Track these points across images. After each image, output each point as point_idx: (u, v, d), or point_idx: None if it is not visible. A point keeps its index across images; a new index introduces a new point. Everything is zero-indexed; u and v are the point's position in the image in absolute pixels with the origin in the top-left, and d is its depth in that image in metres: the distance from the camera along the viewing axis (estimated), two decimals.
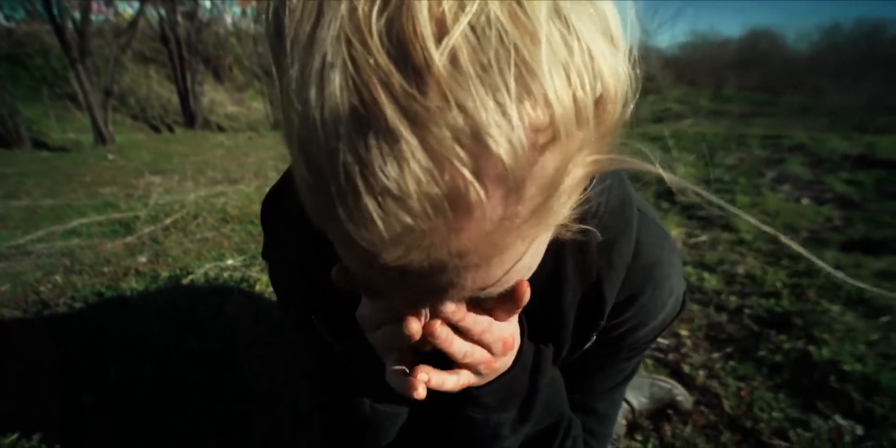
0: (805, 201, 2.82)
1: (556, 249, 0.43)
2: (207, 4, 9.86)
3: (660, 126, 6.05)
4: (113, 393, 1.24)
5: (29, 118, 6.54)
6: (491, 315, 0.38)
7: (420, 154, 0.20)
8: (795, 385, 1.24)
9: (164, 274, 1.91)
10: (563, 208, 0.29)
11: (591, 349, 0.53)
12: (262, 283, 1.80)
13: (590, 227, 0.41)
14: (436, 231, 0.23)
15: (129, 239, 2.35)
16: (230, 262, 2.00)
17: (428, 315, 0.35)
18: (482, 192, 0.22)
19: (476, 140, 0.20)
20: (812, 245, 2.16)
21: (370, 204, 0.22)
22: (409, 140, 0.20)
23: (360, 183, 0.21)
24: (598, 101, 0.24)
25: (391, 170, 0.21)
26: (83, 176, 4.11)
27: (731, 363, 1.34)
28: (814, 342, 1.38)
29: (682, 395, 1.17)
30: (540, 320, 0.47)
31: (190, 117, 9.00)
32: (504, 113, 0.20)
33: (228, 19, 11.43)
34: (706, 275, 1.85)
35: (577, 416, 0.56)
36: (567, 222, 0.34)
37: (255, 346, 1.42)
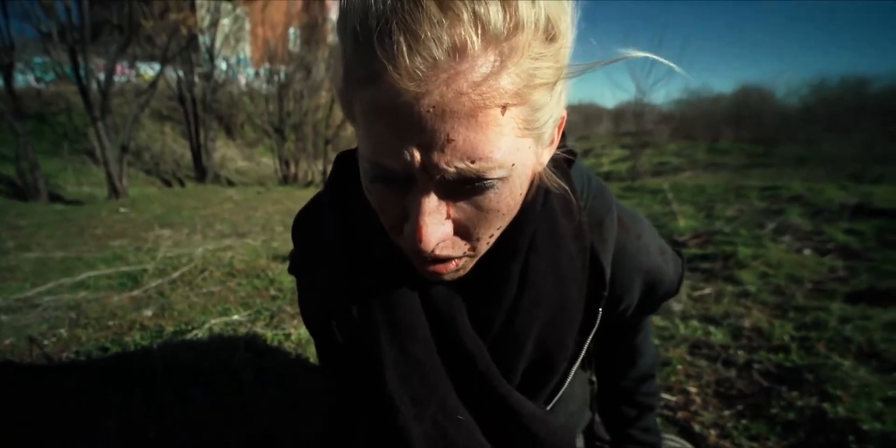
0: (807, 252, 2.84)
1: (548, 210, 0.49)
2: (223, 66, 10.48)
3: (659, 179, 6.19)
4: (114, 447, 1.22)
5: (48, 172, 6.78)
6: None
7: (437, 13, 0.30)
8: (812, 445, 1.20)
9: (170, 328, 1.91)
10: (542, 117, 0.37)
11: (632, 315, 0.61)
12: (269, 338, 1.80)
13: (574, 202, 0.50)
14: (443, 69, 0.31)
15: (135, 292, 2.37)
16: (236, 317, 2.01)
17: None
18: (478, 44, 0.31)
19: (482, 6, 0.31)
20: (817, 296, 2.15)
21: (402, 40, 0.31)
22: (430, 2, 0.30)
23: (394, 27, 0.31)
24: (550, 28, 0.34)
25: (419, 21, 0.30)
26: (95, 228, 4.19)
27: (744, 421, 1.30)
28: (828, 399, 1.34)
29: None
30: (547, 281, 0.49)
31: (201, 172, 9.29)
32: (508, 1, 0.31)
33: (242, 80, 12.10)
34: (712, 329, 1.83)
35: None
36: (548, 165, 0.45)
37: (260, 402, 1.40)
